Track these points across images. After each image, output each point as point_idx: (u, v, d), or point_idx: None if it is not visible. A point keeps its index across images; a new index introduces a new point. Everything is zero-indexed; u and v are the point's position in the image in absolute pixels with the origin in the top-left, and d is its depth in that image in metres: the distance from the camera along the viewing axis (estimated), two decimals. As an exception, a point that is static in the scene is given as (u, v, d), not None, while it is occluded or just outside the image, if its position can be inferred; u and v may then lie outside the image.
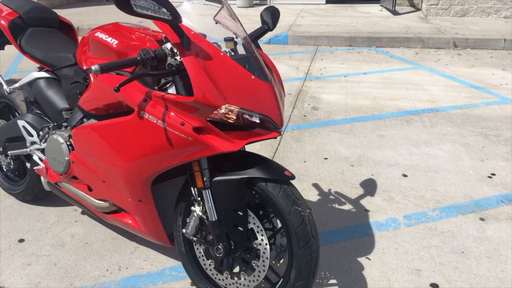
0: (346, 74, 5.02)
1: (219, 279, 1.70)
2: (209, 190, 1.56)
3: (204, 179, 1.55)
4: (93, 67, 1.30)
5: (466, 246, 2.12)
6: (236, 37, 1.58)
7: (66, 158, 1.87)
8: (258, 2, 9.26)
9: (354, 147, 3.18)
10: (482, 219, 2.33)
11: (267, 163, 1.55)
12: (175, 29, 1.38)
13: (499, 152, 3.09)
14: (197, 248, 1.72)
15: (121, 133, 1.58)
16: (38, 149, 2.12)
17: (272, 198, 1.49)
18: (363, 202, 2.50)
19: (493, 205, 2.45)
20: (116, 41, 1.64)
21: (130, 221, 1.84)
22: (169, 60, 1.43)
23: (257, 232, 1.54)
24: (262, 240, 1.54)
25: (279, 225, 1.60)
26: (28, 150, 2.15)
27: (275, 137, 1.52)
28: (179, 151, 1.48)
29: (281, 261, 1.67)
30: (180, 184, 1.85)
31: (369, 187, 2.65)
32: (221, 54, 1.46)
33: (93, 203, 1.90)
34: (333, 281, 1.89)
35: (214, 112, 1.41)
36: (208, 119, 1.42)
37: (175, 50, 1.43)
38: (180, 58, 1.42)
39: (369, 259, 2.04)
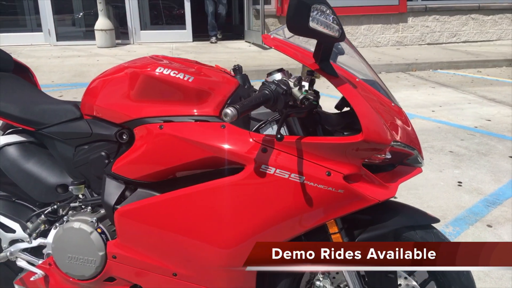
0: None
1: None
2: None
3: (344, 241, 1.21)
4: (228, 111, 0.90)
5: (501, 255, 2.16)
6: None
7: (101, 254, 1.25)
8: (120, 42, 8.62)
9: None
10: (489, 225, 2.43)
11: (403, 208, 1.30)
12: (326, 52, 1.06)
13: (445, 161, 3.35)
14: (320, 335, 1.32)
15: (226, 200, 1.13)
16: (25, 250, 1.39)
17: (426, 248, 1.23)
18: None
19: (485, 211, 2.60)
20: (191, 77, 1.19)
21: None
22: (302, 93, 1.10)
23: (410, 294, 1.26)
24: (418, 303, 1.25)
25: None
26: (7, 254, 1.39)
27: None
28: (321, 210, 1.12)
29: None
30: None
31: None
32: (358, 80, 1.19)
33: (143, 311, 1.31)
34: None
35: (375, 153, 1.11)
36: None
37: (303, 83, 1.11)
38: (309, 90, 1.11)
39: (438, 291, 1.89)
